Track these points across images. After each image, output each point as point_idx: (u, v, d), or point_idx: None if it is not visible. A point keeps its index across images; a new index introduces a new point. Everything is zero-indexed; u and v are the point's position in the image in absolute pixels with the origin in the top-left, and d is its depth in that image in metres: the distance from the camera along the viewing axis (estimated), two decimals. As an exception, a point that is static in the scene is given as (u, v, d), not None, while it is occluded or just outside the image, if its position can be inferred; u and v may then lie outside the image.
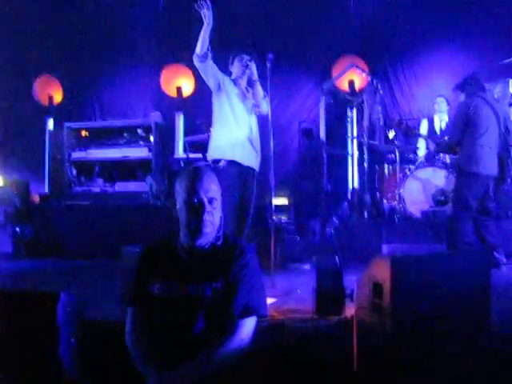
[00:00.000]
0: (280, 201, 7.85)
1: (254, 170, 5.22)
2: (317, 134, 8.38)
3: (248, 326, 2.48)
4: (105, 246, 6.74)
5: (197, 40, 5.01)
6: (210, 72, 5.11)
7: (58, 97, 9.95)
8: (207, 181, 2.55)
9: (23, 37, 9.75)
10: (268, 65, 5.22)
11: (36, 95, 9.80)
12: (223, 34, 8.86)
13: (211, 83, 5.20)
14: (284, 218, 7.77)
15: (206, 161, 5.24)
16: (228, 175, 4.95)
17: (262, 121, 7.08)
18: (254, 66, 5.20)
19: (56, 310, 3.10)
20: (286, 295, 4.63)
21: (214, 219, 2.53)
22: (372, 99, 7.81)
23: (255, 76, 5.20)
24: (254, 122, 5.26)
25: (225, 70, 5.27)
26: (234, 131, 5.12)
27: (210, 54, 5.04)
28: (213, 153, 5.20)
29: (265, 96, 5.26)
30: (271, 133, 5.32)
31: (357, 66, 8.01)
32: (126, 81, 10.31)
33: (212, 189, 2.54)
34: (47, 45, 10.01)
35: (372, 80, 7.88)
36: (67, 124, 8.10)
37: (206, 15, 4.91)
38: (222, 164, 5.04)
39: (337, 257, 5.99)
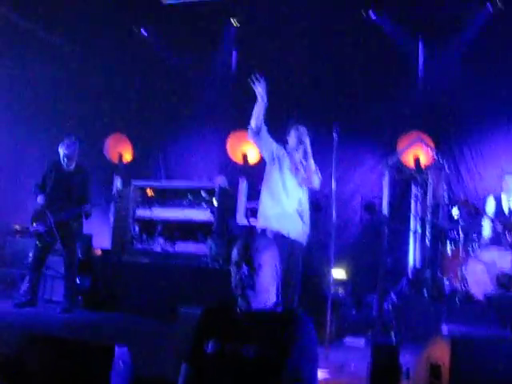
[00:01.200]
0: (338, 273, 7.76)
1: (300, 243, 5.22)
2: (379, 208, 8.34)
3: None
4: (160, 304, 6.79)
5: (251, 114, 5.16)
6: (264, 145, 5.26)
7: (127, 155, 10.24)
8: (254, 246, 2.58)
9: (97, 96, 10.17)
10: (334, 135, 5.28)
11: (107, 153, 10.09)
12: (284, 101, 9.18)
13: (265, 155, 5.34)
14: (341, 291, 7.65)
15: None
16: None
17: (326, 193, 7.12)
18: (308, 141, 5.27)
19: (110, 363, 3.13)
20: (340, 369, 4.55)
21: (259, 285, 2.54)
22: (437, 176, 7.75)
23: (309, 151, 5.25)
24: (304, 195, 5.30)
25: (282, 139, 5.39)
26: (283, 203, 5.17)
27: (264, 128, 5.18)
28: (262, 221, 5.27)
29: (316, 170, 5.29)
30: (333, 205, 5.33)
31: (422, 140, 8.00)
32: (192, 144, 10.57)
33: (259, 254, 2.56)
34: (120, 106, 10.42)
35: (438, 157, 7.83)
36: (134, 182, 8.32)
37: (260, 92, 5.05)
38: (268, 234, 5.11)
39: (393, 333, 5.87)
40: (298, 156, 5.30)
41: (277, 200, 5.21)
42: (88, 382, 3.08)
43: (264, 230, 5.20)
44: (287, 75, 9.59)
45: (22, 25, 9.38)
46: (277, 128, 5.52)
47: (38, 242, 6.99)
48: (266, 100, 5.08)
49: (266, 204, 5.31)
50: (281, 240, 5.03)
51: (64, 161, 6.97)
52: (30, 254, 7.78)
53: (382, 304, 6.52)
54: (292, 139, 5.36)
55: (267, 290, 2.58)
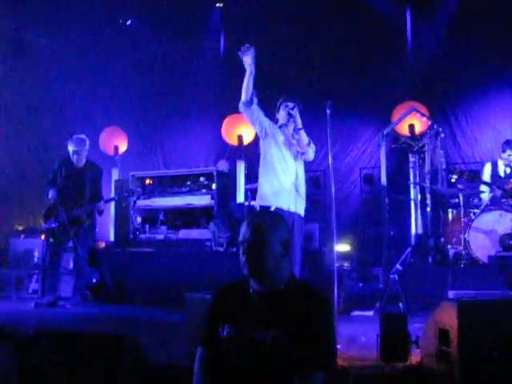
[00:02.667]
0: (342, 247, 7.80)
1: (300, 216, 5.24)
2: (378, 179, 8.33)
3: (321, 379, 2.40)
4: (168, 292, 6.82)
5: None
6: (256, 118, 5.23)
7: (123, 146, 10.25)
8: (258, 224, 2.55)
9: (90, 90, 10.15)
10: (327, 111, 5.25)
11: (102, 146, 10.08)
12: (277, 80, 9.16)
13: (257, 129, 5.32)
14: (346, 264, 7.69)
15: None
16: None
17: (324, 167, 7.11)
18: (297, 114, 5.26)
19: (121, 354, 3.16)
20: (350, 342, 4.56)
21: (265, 262, 2.50)
22: (433, 143, 7.73)
23: (299, 124, 5.25)
24: (300, 168, 5.31)
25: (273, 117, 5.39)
26: (280, 178, 5.19)
27: (255, 100, 5.16)
28: (260, 200, 5.30)
29: (309, 143, 5.29)
30: (332, 179, 5.33)
31: (417, 110, 7.97)
32: (188, 130, 10.57)
33: (263, 232, 2.52)
34: (113, 97, 10.39)
35: (432, 124, 7.81)
36: (132, 173, 8.31)
37: (248, 63, 5.05)
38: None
39: (401, 303, 5.91)
40: (289, 130, 5.30)
41: (273, 175, 5.23)
42: (99, 373, 3.11)
43: (265, 207, 5.24)
44: (278, 52, 9.57)
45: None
46: (271, 108, 5.52)
47: (51, 239, 7.02)
48: (254, 70, 5.07)
49: (264, 181, 5.33)
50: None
51: (74, 157, 6.96)
52: (36, 254, 7.84)
53: (388, 275, 6.54)
54: (281, 115, 5.36)
55: (278, 268, 2.54)
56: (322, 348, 2.44)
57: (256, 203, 5.38)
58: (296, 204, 5.20)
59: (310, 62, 9.64)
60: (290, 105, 5.27)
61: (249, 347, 2.47)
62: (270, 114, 5.43)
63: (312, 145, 5.30)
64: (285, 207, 5.11)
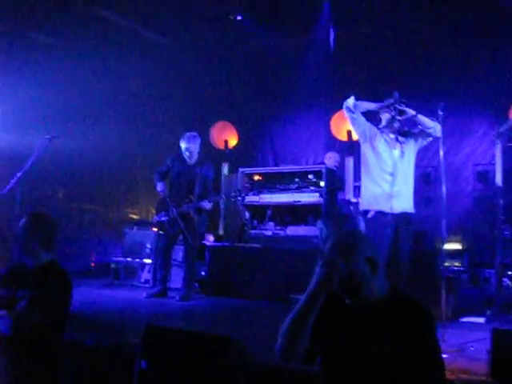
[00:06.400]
0: (453, 246, 7.59)
1: (406, 217, 5.20)
2: (493, 177, 8.00)
3: None
4: (274, 288, 6.93)
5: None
6: (357, 123, 5.29)
7: (232, 141, 10.45)
8: (344, 247, 2.55)
9: (199, 85, 10.40)
10: (440, 113, 5.16)
11: (213, 140, 10.31)
12: (389, 75, 9.00)
13: (358, 134, 5.38)
14: (457, 264, 7.49)
15: None
16: (377, 226, 5.04)
17: (435, 163, 6.93)
18: (403, 106, 5.20)
19: (227, 356, 3.26)
20: (458, 351, 4.45)
21: (359, 286, 2.52)
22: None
23: (411, 112, 5.18)
24: (403, 167, 5.26)
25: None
26: (380, 181, 5.18)
27: (359, 106, 5.20)
28: (362, 204, 5.37)
29: (433, 119, 5.22)
30: (444, 175, 5.24)
31: (537, 106, 7.58)
32: (297, 126, 10.63)
33: (343, 254, 2.51)
34: (222, 93, 10.62)
35: (554, 121, 7.40)
36: (241, 169, 8.46)
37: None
38: (370, 215, 5.20)
39: (514, 312, 5.67)
40: (395, 128, 5.27)
41: (373, 179, 5.28)
42: (204, 374, 3.22)
43: (366, 212, 5.29)
44: (391, 47, 9.43)
45: (119, 22, 9.70)
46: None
47: (161, 232, 7.32)
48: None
49: (364, 185, 5.41)
50: (383, 218, 5.15)
51: (186, 154, 7.18)
52: (148, 245, 8.18)
53: (501, 280, 6.30)
54: (386, 114, 5.34)
55: (371, 284, 2.54)
56: (432, 360, 2.45)
57: (360, 206, 5.51)
58: (401, 204, 5.19)
59: (423, 57, 9.39)
60: (392, 105, 5.24)
61: (355, 359, 2.47)
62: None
63: (435, 121, 5.23)
64: (387, 210, 5.12)
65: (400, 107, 5.21)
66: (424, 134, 5.33)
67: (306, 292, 2.54)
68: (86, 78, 8.97)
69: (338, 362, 2.53)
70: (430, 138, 5.38)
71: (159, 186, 7.25)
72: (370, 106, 5.37)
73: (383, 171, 5.22)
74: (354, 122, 5.35)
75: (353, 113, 5.27)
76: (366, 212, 5.30)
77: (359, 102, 5.27)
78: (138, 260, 8.34)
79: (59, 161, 8.58)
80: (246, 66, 10.58)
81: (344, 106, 5.31)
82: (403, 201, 5.25)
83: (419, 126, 5.30)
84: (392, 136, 5.30)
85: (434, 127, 5.21)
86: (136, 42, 9.67)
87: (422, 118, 5.23)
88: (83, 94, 8.98)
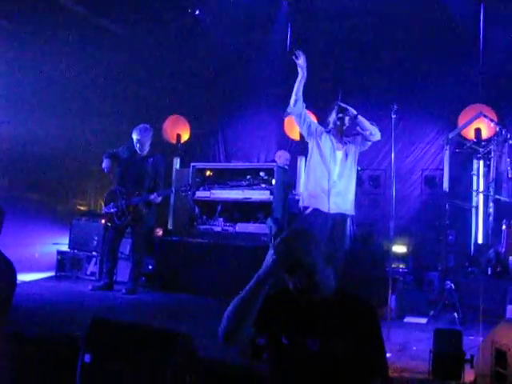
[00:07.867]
0: (399, 248, 7.71)
1: (343, 217, 5.28)
2: (440, 182, 8.17)
3: None
4: (222, 284, 6.89)
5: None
6: (302, 120, 5.36)
7: (185, 135, 10.38)
8: (288, 249, 2.55)
9: (153, 78, 10.28)
10: (393, 116, 5.24)
11: (165, 133, 10.21)
12: (339, 78, 9.09)
13: (303, 131, 5.44)
14: (402, 266, 7.61)
15: None
16: (313, 224, 5.11)
17: (385, 166, 7.00)
18: (350, 108, 5.31)
19: (174, 350, 3.22)
20: (401, 351, 4.53)
21: (316, 285, 2.52)
22: (500, 150, 7.51)
23: (353, 111, 5.27)
24: (346, 169, 5.35)
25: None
26: (321, 180, 5.26)
27: (301, 103, 5.28)
28: (303, 199, 5.50)
29: (372, 123, 5.32)
30: (394, 179, 5.33)
31: (485, 115, 7.76)
32: (250, 123, 10.62)
33: (294, 256, 2.52)
34: (176, 87, 10.52)
35: (501, 130, 7.59)
36: (193, 164, 8.40)
37: (302, 66, 5.16)
38: (308, 211, 5.32)
39: (456, 314, 5.80)
40: (341, 126, 5.35)
41: (315, 177, 5.38)
42: (150, 368, 3.17)
43: (305, 208, 5.41)
44: (342, 51, 9.53)
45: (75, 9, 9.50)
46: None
47: (109, 223, 7.21)
48: (305, 74, 5.31)
49: (306, 182, 5.55)
50: (320, 216, 5.27)
51: (137, 146, 7.09)
52: (95, 237, 8.04)
53: (444, 282, 6.43)
54: (332, 115, 5.43)
55: (325, 282, 2.56)
56: (376, 356, 2.50)
57: (300, 203, 5.55)
58: (338, 205, 5.27)
59: (375, 61, 9.51)
60: (341, 104, 5.33)
61: (300, 354, 2.50)
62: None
63: (375, 124, 5.33)
64: (324, 209, 5.20)
65: (342, 105, 5.31)
66: (363, 137, 5.41)
67: (254, 277, 2.54)
68: (36, 64, 8.72)
69: (285, 358, 2.55)
70: (369, 143, 5.48)
71: (105, 163, 7.10)
72: None
73: (325, 171, 5.30)
74: (297, 118, 5.44)
75: (297, 109, 5.37)
76: (305, 208, 5.40)
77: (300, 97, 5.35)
78: (84, 252, 8.18)
79: (4, 148, 8.37)
80: (202, 60, 10.49)
81: (289, 105, 5.41)
82: (342, 202, 5.35)
83: (357, 128, 5.38)
84: (337, 138, 5.38)
85: (371, 130, 5.32)
86: (91, 31, 9.47)
87: (361, 119, 5.34)
88: (32, 80, 8.72)
